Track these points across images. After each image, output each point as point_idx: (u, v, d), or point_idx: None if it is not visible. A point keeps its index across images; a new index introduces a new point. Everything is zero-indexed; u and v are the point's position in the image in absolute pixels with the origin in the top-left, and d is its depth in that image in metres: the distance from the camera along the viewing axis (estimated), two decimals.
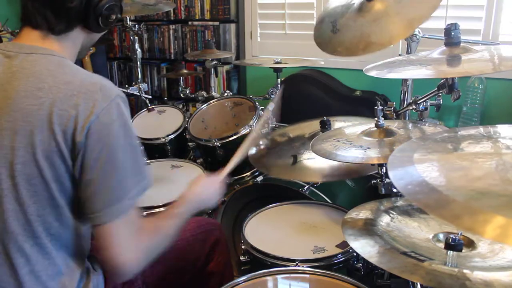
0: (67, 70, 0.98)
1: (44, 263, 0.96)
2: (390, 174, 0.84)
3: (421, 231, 1.12)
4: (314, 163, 1.60)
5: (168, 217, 1.14)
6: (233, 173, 1.97)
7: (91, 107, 0.92)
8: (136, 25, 2.45)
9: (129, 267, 0.99)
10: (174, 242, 1.27)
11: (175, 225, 1.12)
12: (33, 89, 0.93)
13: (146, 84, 2.55)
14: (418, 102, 1.52)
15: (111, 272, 1.02)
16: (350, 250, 1.29)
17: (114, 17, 1.06)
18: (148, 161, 2.04)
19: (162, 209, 1.61)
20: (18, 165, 0.92)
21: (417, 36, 1.68)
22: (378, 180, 1.36)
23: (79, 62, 3.14)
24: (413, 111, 1.56)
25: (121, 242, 0.98)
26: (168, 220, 1.13)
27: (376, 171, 1.39)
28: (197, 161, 2.05)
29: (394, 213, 1.22)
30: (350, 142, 1.37)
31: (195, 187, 1.25)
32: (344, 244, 1.31)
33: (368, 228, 1.14)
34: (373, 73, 1.30)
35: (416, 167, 0.82)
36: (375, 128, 1.39)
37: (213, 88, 2.58)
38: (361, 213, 1.24)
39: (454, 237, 0.97)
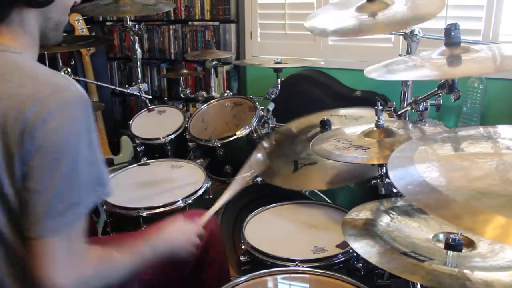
0: (22, 72, 0.89)
1: None
2: (390, 174, 0.84)
3: (421, 231, 1.12)
4: (316, 170, 1.60)
5: (129, 251, 1.05)
6: (233, 173, 1.98)
7: (39, 111, 0.84)
8: (136, 25, 2.45)
9: None
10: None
11: (133, 262, 1.03)
12: None
13: (146, 84, 2.55)
14: (418, 102, 1.52)
15: None
16: (350, 250, 1.29)
17: None
18: (148, 161, 2.04)
19: (162, 209, 1.61)
20: None
21: (417, 36, 1.68)
22: (378, 180, 1.36)
23: (80, 63, 3.15)
24: (413, 111, 1.56)
25: (55, 263, 0.87)
26: (127, 254, 1.03)
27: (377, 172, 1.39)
28: (197, 161, 2.05)
29: (394, 213, 1.22)
30: (350, 142, 1.37)
31: (170, 230, 1.17)
32: (344, 244, 1.31)
33: (368, 228, 1.14)
34: (373, 75, 1.30)
35: (416, 167, 0.82)
36: (375, 128, 1.39)
37: (213, 88, 2.58)
38: (361, 213, 1.24)
39: (454, 237, 0.97)
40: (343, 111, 1.90)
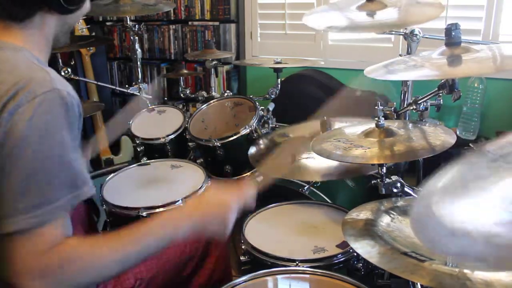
0: (5, 67, 0.89)
1: None
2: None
3: None
4: (313, 162, 1.60)
5: (117, 240, 0.93)
6: (233, 173, 1.98)
7: (9, 105, 0.83)
8: (136, 25, 2.45)
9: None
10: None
11: (138, 250, 0.92)
12: None
13: (146, 84, 2.55)
14: (419, 102, 1.52)
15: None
16: (350, 250, 1.29)
17: None
18: (148, 161, 2.04)
19: (162, 209, 1.61)
20: None
21: (417, 36, 1.68)
22: (379, 180, 1.36)
23: (80, 63, 3.15)
24: (413, 111, 1.56)
25: (22, 262, 0.83)
26: (116, 244, 0.92)
27: (376, 171, 1.39)
28: (197, 161, 2.05)
29: (395, 213, 1.22)
30: (350, 142, 1.37)
31: (195, 200, 1.09)
32: (344, 244, 1.31)
33: (369, 228, 1.14)
34: (373, 75, 1.30)
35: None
36: (375, 128, 1.39)
37: (213, 88, 2.58)
38: (362, 213, 1.24)
39: None
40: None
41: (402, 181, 1.32)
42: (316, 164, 1.58)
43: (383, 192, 1.35)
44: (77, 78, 2.56)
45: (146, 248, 0.94)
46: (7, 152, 0.83)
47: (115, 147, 2.97)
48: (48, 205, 0.85)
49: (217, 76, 2.78)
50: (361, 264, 1.31)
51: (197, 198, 1.07)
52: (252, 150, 1.80)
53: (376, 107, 1.39)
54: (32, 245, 0.84)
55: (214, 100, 2.23)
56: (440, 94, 1.44)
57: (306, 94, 2.50)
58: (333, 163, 1.55)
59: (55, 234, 0.87)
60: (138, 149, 2.18)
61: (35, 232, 0.84)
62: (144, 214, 1.59)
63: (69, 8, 0.97)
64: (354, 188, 2.01)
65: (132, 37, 2.49)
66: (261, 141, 1.87)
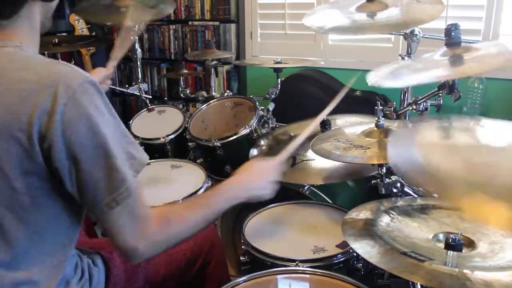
0: (20, 65, 0.90)
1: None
2: (390, 150, 0.84)
3: (421, 231, 1.12)
4: (314, 165, 1.60)
5: (199, 206, 1.08)
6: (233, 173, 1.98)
7: (52, 104, 0.85)
8: (136, 25, 2.45)
9: (136, 253, 0.95)
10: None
11: (204, 216, 1.06)
12: None
13: (146, 84, 2.55)
14: (418, 102, 1.52)
15: (122, 256, 1.00)
16: (350, 250, 1.29)
17: None
18: (148, 161, 2.04)
19: None
20: None
21: (417, 36, 1.68)
22: (378, 180, 1.36)
23: (80, 63, 3.15)
24: (413, 111, 1.56)
25: (123, 231, 0.94)
26: (198, 210, 1.07)
27: (376, 171, 1.39)
28: (197, 161, 2.05)
29: (394, 213, 1.22)
30: (350, 142, 1.37)
31: (244, 173, 1.17)
32: (344, 244, 1.31)
33: (368, 228, 1.14)
34: (378, 83, 1.29)
35: (416, 150, 0.84)
36: (375, 128, 1.39)
37: (213, 88, 2.58)
38: (361, 213, 1.24)
39: (454, 237, 0.97)
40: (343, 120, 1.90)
41: (402, 181, 1.32)
42: (316, 166, 1.59)
43: (383, 192, 1.35)
44: None
45: (216, 212, 1.10)
46: (77, 149, 0.87)
47: None
48: (126, 179, 0.92)
49: (217, 76, 2.78)
50: (361, 264, 1.31)
51: (244, 170, 1.19)
52: (253, 151, 1.80)
53: (376, 107, 1.39)
54: (128, 214, 0.94)
55: (214, 100, 2.23)
56: (440, 94, 1.44)
57: (306, 94, 2.50)
58: (333, 165, 1.55)
59: (141, 198, 0.97)
60: None
61: (127, 202, 0.93)
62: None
63: None
64: (354, 188, 2.01)
65: (132, 37, 2.49)
66: (262, 142, 1.87)
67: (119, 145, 0.93)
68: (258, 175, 1.19)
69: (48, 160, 0.87)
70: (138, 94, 2.49)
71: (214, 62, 2.47)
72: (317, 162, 1.61)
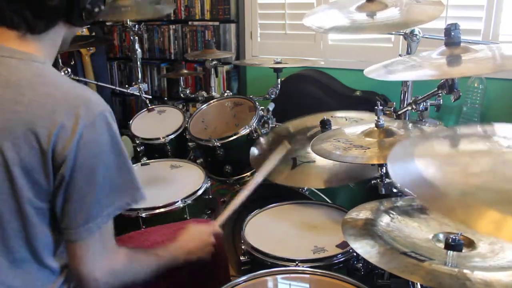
0: (48, 81, 0.93)
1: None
2: (390, 168, 0.84)
3: (421, 231, 1.12)
4: (315, 168, 1.60)
5: (149, 255, 1.13)
6: (233, 173, 1.98)
7: (74, 124, 0.88)
8: (136, 25, 2.45)
9: (95, 284, 0.97)
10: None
11: (151, 266, 1.10)
12: (10, 102, 0.88)
13: (146, 84, 2.55)
14: (418, 102, 1.52)
15: (80, 284, 1.00)
16: (350, 250, 1.29)
17: (97, 9, 1.00)
18: (148, 161, 2.04)
19: (161, 209, 1.61)
20: None
21: (417, 36, 1.68)
22: (378, 180, 1.36)
23: (80, 63, 3.15)
24: (413, 111, 1.56)
25: (92, 260, 0.96)
26: (152, 256, 1.12)
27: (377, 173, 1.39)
28: (197, 161, 2.05)
29: (394, 213, 1.22)
30: (350, 142, 1.37)
31: (184, 235, 1.24)
32: (344, 244, 1.31)
33: (368, 228, 1.14)
34: (373, 75, 1.30)
35: (416, 162, 0.83)
36: (375, 128, 1.39)
37: (213, 88, 2.58)
38: (361, 213, 1.24)
39: (454, 237, 0.97)
40: (343, 114, 1.90)
41: None
42: (317, 169, 1.59)
43: (383, 192, 1.35)
44: (77, 78, 2.56)
45: (161, 265, 1.13)
46: (79, 170, 0.90)
47: None
48: (112, 206, 0.96)
49: (217, 76, 2.77)
50: (361, 264, 1.31)
51: (186, 235, 1.25)
52: (254, 152, 1.80)
53: (376, 107, 1.39)
54: (100, 243, 0.96)
55: (214, 100, 2.23)
56: (440, 94, 1.44)
57: (306, 94, 2.50)
58: (334, 169, 1.55)
59: (112, 229, 1.00)
60: (138, 149, 2.19)
61: (102, 230, 0.95)
62: (143, 214, 1.59)
63: (87, 22, 1.00)
64: (354, 188, 2.01)
65: (132, 37, 2.49)
66: (262, 141, 1.87)
67: (123, 173, 0.97)
68: (195, 240, 1.25)
69: (55, 175, 0.90)
70: (138, 94, 2.49)
71: (214, 62, 2.47)
72: (318, 164, 1.61)
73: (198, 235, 1.26)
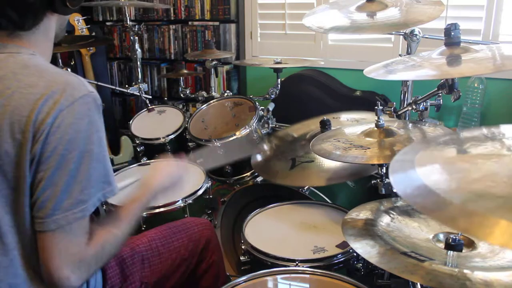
0: (33, 71, 0.92)
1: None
2: (391, 177, 0.83)
3: (421, 231, 1.12)
4: (314, 166, 1.60)
5: (125, 220, 1.05)
6: (233, 173, 1.98)
7: (51, 109, 0.87)
8: (136, 25, 2.45)
9: (67, 282, 0.91)
10: (171, 243, 1.28)
11: (129, 228, 1.05)
12: None
13: (146, 84, 2.55)
14: (418, 102, 1.51)
15: (47, 284, 0.93)
16: (350, 250, 1.29)
17: None
18: (148, 161, 2.04)
19: (162, 209, 1.61)
20: None
21: (417, 36, 1.68)
22: (378, 180, 1.36)
23: (80, 63, 3.15)
24: (413, 111, 1.55)
25: (59, 256, 0.90)
26: (124, 224, 1.04)
27: (376, 171, 1.39)
28: (197, 161, 2.05)
29: (394, 213, 1.22)
30: (350, 142, 1.37)
31: (145, 177, 1.20)
32: (344, 244, 1.31)
33: (368, 228, 1.14)
34: (373, 75, 1.30)
35: (416, 170, 0.82)
36: (375, 128, 1.39)
37: (213, 88, 2.58)
38: (361, 213, 1.24)
39: (454, 237, 0.97)
40: (344, 116, 1.91)
41: None
42: (316, 168, 1.59)
43: (383, 192, 1.35)
44: None
45: (134, 224, 1.07)
46: (50, 155, 0.87)
47: (115, 147, 2.97)
48: (88, 201, 0.92)
49: (217, 76, 2.77)
50: (361, 264, 1.31)
51: (150, 176, 1.21)
52: (257, 158, 1.80)
53: (376, 107, 1.39)
54: (69, 240, 0.90)
55: (214, 100, 2.23)
56: (440, 94, 1.44)
57: (306, 94, 2.50)
58: (333, 167, 1.55)
59: (86, 227, 0.94)
60: (138, 149, 2.19)
61: (73, 227, 0.90)
62: (144, 214, 1.59)
63: (73, 9, 1.00)
64: (354, 188, 2.01)
65: (132, 37, 2.49)
66: (266, 148, 1.87)
67: (98, 164, 0.93)
68: (157, 175, 1.21)
69: (31, 163, 0.88)
70: (138, 94, 2.49)
71: (214, 62, 2.47)
72: (317, 163, 1.62)
73: (159, 170, 1.23)
